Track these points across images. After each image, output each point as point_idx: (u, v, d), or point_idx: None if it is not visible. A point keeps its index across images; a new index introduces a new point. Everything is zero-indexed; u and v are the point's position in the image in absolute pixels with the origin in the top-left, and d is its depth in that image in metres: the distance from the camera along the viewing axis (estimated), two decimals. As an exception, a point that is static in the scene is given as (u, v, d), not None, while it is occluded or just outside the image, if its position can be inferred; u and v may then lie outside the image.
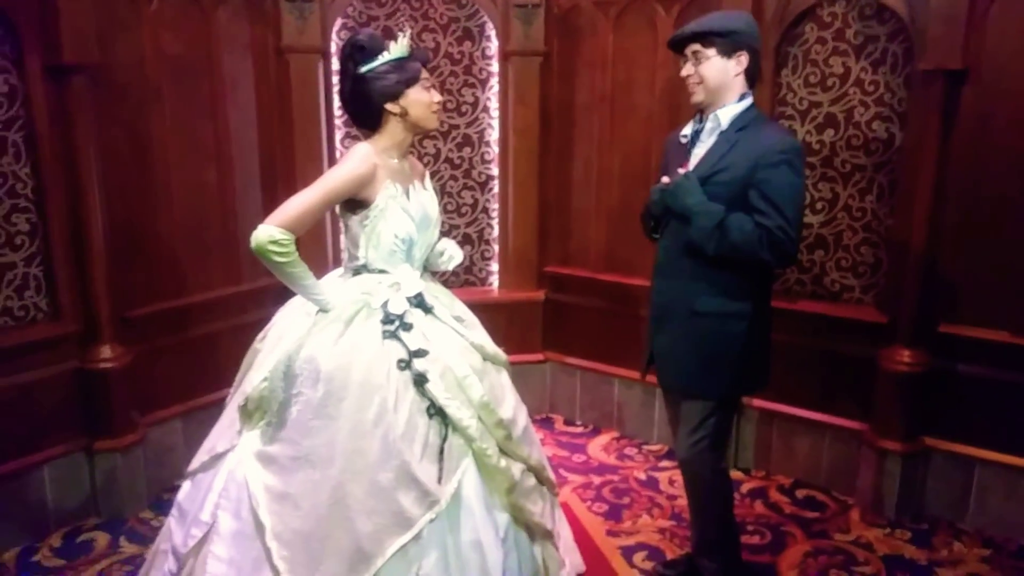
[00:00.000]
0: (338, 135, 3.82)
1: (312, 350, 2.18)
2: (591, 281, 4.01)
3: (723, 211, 2.31)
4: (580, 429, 4.13)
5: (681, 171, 2.41)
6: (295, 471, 2.14)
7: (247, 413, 2.24)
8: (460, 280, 4.21)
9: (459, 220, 4.14)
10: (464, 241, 4.17)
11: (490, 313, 4.00)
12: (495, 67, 3.99)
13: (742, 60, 2.38)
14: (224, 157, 3.54)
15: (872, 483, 3.30)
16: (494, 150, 4.08)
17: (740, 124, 2.39)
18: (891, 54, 3.20)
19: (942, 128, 3.01)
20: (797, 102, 3.42)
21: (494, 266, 4.21)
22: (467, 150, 4.08)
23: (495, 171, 4.10)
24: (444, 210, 4.10)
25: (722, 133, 2.40)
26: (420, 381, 2.18)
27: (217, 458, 2.29)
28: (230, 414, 2.33)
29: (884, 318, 3.28)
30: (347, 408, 2.13)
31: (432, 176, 4.01)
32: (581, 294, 4.06)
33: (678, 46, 2.44)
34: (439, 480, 2.15)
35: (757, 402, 3.63)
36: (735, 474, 3.65)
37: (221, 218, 3.53)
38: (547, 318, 4.18)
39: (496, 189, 4.11)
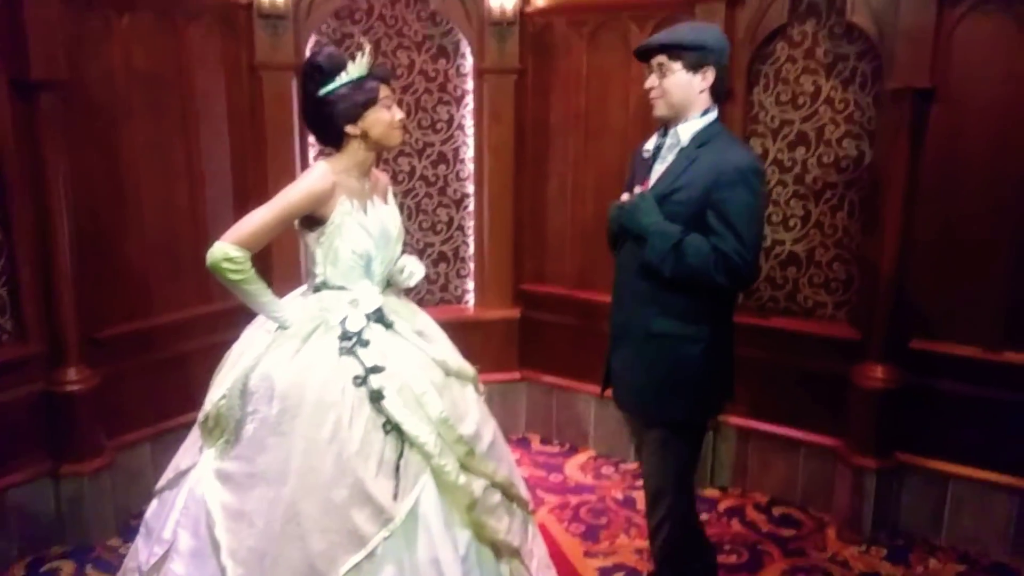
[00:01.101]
0: (311, 152, 3.79)
1: (268, 367, 2.18)
2: (567, 298, 4.01)
3: (680, 232, 2.24)
4: (557, 448, 4.10)
5: (639, 190, 2.36)
6: (251, 488, 2.13)
7: (207, 430, 2.23)
8: (436, 298, 4.19)
9: (434, 238, 4.13)
10: (439, 259, 4.15)
11: (466, 331, 3.99)
12: (470, 84, 4.00)
13: (708, 76, 2.31)
14: (196, 174, 3.50)
15: (848, 500, 3.30)
16: (469, 168, 4.07)
17: (701, 140, 2.32)
18: (860, 73, 3.24)
19: (911, 146, 3.05)
20: (769, 120, 3.46)
21: (470, 284, 4.19)
22: (442, 167, 4.07)
23: (470, 189, 4.09)
24: (419, 227, 4.09)
25: (682, 150, 2.33)
26: (376, 397, 2.16)
27: (181, 475, 2.29)
28: (195, 431, 2.33)
29: (857, 334, 3.31)
30: (301, 425, 2.12)
31: (407, 194, 4.03)
32: (557, 312, 4.05)
33: (644, 56, 2.38)
34: (394, 497, 2.12)
35: (733, 419, 3.63)
36: (711, 492, 3.65)
37: (192, 236, 3.48)
38: (523, 336, 4.16)
39: (471, 207, 4.11)
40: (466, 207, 4.12)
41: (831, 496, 3.39)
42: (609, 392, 2.61)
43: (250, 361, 2.21)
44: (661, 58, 2.31)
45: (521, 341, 4.16)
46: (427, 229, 4.11)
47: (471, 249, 4.15)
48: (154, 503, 2.37)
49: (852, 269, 3.38)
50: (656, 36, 2.38)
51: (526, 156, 4.02)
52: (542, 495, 3.61)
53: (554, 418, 4.17)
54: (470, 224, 4.13)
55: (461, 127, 4.05)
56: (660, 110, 2.35)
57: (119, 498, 3.23)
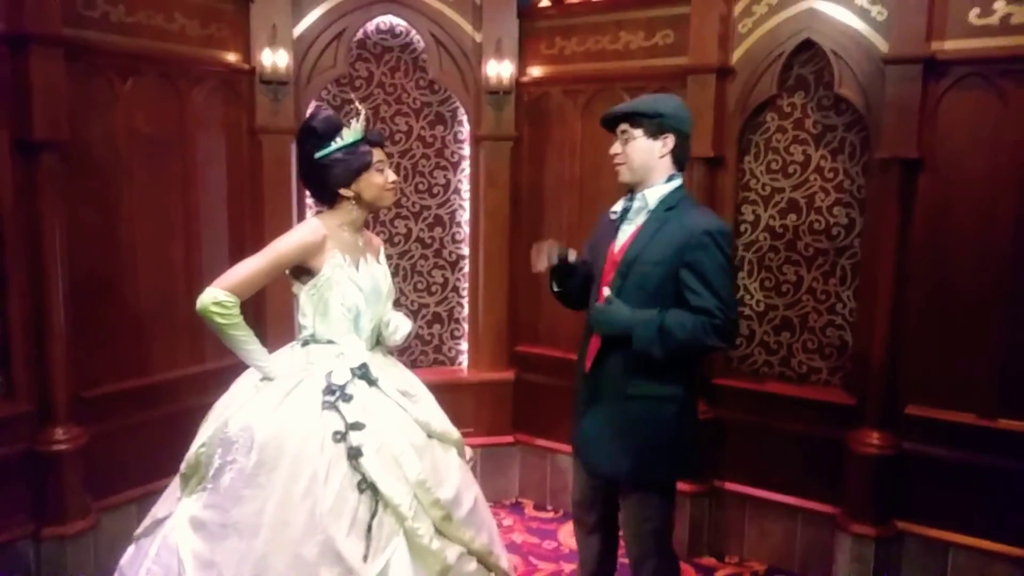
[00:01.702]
0: (309, 214, 3.83)
1: (249, 418, 2.18)
2: (561, 361, 3.99)
3: (658, 315, 2.30)
4: (551, 514, 4.04)
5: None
6: (223, 539, 2.12)
7: (185, 479, 2.24)
8: (429, 359, 4.17)
9: (429, 299, 4.14)
10: (434, 320, 4.16)
11: (459, 393, 4.00)
12: (467, 150, 4.07)
13: (668, 142, 2.42)
14: (193, 235, 3.52)
15: (847, 569, 3.24)
16: (465, 230, 4.12)
17: (668, 204, 2.41)
18: (849, 143, 3.32)
19: (900, 214, 3.10)
20: (760, 188, 3.52)
21: (464, 345, 4.19)
22: (438, 230, 4.11)
23: (466, 251, 4.12)
24: (414, 288, 4.10)
25: (651, 212, 2.43)
26: (354, 455, 2.15)
27: (157, 523, 2.29)
28: (175, 482, 2.34)
29: (852, 400, 3.30)
30: (278, 478, 2.11)
31: (403, 255, 4.06)
32: (552, 374, 4.03)
33: (611, 124, 2.52)
34: (364, 558, 2.09)
35: (729, 486, 3.59)
36: (708, 560, 3.58)
37: (187, 296, 3.47)
38: (517, 399, 4.14)
39: (466, 268, 4.13)
40: (461, 269, 4.14)
41: (830, 564, 3.33)
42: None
43: (233, 410, 2.23)
44: (624, 126, 2.46)
45: (515, 404, 4.13)
46: (422, 290, 4.13)
47: (466, 310, 4.16)
48: (131, 549, 2.37)
49: (845, 335, 3.39)
50: (619, 105, 2.54)
51: (521, 220, 4.07)
52: (535, 562, 3.53)
53: (548, 483, 4.11)
54: (465, 286, 4.15)
55: (457, 191, 4.11)
56: (624, 175, 2.48)
57: (102, 561, 3.14)
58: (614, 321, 2.36)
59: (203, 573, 2.10)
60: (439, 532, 2.21)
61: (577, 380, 2.59)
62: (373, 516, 2.14)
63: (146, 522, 2.36)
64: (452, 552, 2.22)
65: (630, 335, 2.32)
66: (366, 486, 2.14)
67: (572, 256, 2.57)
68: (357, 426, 2.18)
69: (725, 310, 2.29)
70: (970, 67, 2.96)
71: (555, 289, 2.66)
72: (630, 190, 2.51)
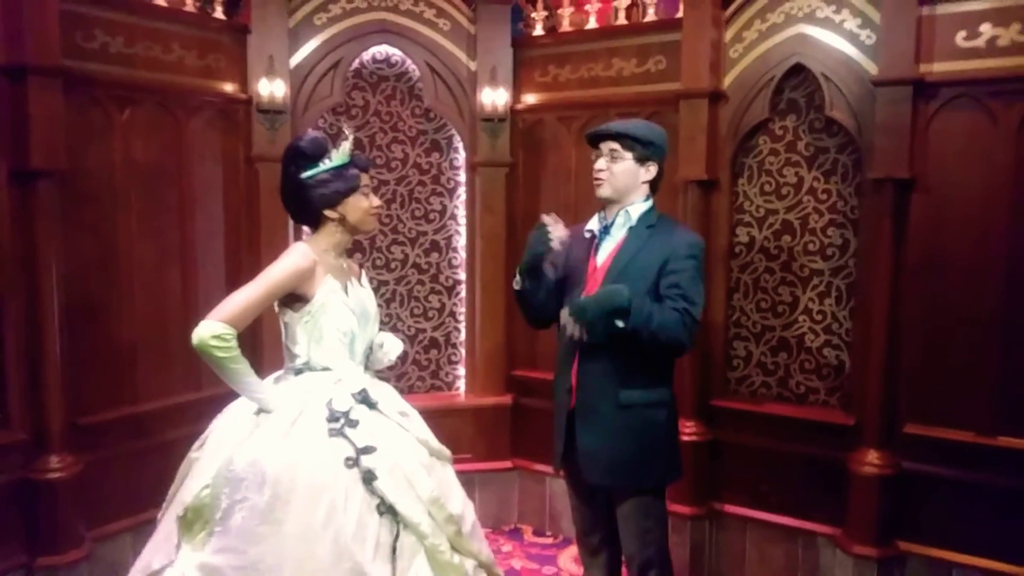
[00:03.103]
0: (306, 241, 3.84)
1: (256, 453, 2.12)
2: (554, 385, 3.97)
3: (645, 299, 2.40)
4: (550, 540, 4.00)
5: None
6: None
7: (186, 524, 2.14)
8: (426, 384, 4.16)
9: (426, 324, 4.14)
10: (431, 345, 4.15)
11: (457, 418, 3.98)
12: (462, 177, 4.10)
13: (651, 170, 2.57)
14: (189, 263, 3.53)
15: (849, 591, 3.21)
16: (461, 255, 4.13)
17: (648, 222, 2.56)
18: (841, 164, 3.34)
19: (894, 233, 3.12)
20: (754, 210, 3.54)
21: (461, 370, 4.18)
22: (435, 255, 4.13)
23: (462, 276, 4.14)
24: (411, 314, 4.11)
25: (632, 228, 2.56)
26: (369, 478, 2.13)
27: None
28: (165, 527, 2.22)
29: (851, 420, 3.29)
30: (295, 511, 2.06)
31: (399, 281, 4.07)
32: (550, 398, 3.98)
33: (597, 139, 2.59)
34: None
35: (729, 508, 3.57)
36: (710, 585, 3.55)
37: (183, 324, 3.46)
38: (515, 423, 4.12)
39: (463, 293, 4.14)
40: (458, 294, 4.15)
41: (832, 588, 3.30)
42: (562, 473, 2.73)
43: (233, 447, 2.15)
44: (614, 145, 2.55)
45: (513, 428, 4.12)
46: (419, 315, 4.13)
47: (462, 336, 4.16)
48: None
49: (842, 355, 3.39)
50: (612, 124, 2.62)
51: (517, 245, 4.07)
52: (535, 589, 3.50)
53: (547, 508, 4.08)
54: (462, 311, 4.15)
55: (454, 217, 4.13)
56: (604, 191, 2.57)
57: (96, 593, 3.11)
58: (615, 297, 2.35)
59: None
60: (453, 547, 2.21)
61: (558, 397, 2.63)
62: (396, 538, 2.12)
63: None
64: (469, 565, 2.23)
65: (615, 323, 2.35)
66: (385, 508, 2.12)
67: (555, 243, 2.58)
68: (368, 450, 2.16)
69: (693, 312, 2.42)
70: (959, 88, 3.00)
71: (519, 286, 2.65)
72: (603, 207, 2.62)
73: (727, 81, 3.49)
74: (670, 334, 2.38)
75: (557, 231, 2.53)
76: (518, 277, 2.65)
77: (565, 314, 2.41)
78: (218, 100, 3.62)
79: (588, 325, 2.37)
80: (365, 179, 2.38)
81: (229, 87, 3.66)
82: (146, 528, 3.20)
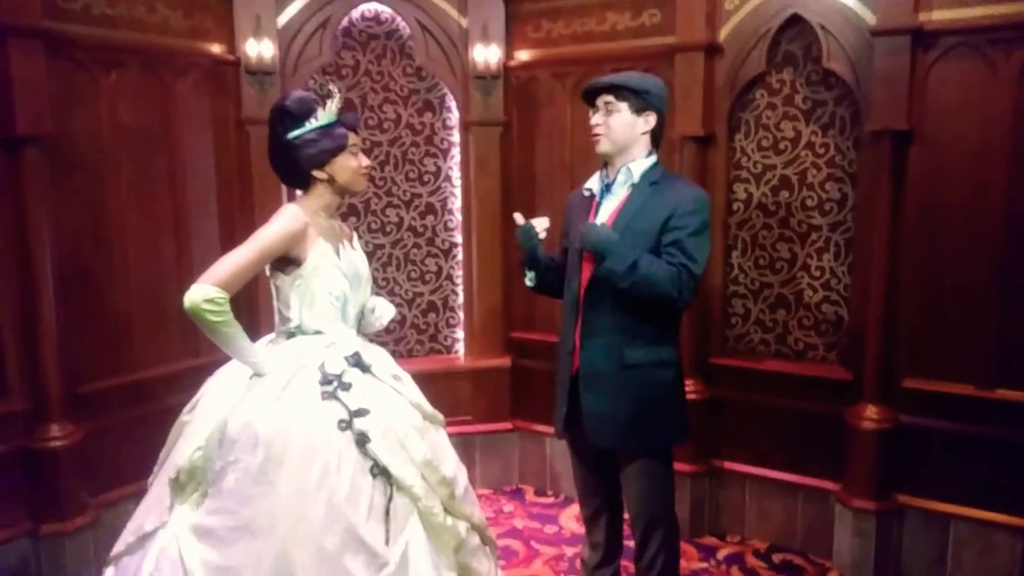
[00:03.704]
0: (299, 205, 3.80)
1: (249, 415, 2.12)
2: (558, 348, 3.97)
3: (636, 251, 2.36)
4: (551, 499, 4.03)
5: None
6: (234, 542, 2.05)
7: (179, 486, 2.13)
8: (425, 348, 4.16)
9: (423, 287, 4.12)
10: (428, 309, 4.14)
11: (456, 381, 3.99)
12: (456, 137, 4.05)
13: (650, 120, 2.50)
14: (182, 228, 3.50)
15: (848, 544, 3.24)
16: (457, 218, 4.09)
17: (652, 179, 2.49)
18: (839, 118, 3.30)
19: (893, 187, 3.09)
20: (751, 165, 3.50)
21: (459, 333, 4.17)
22: (430, 218, 4.09)
23: (459, 238, 4.10)
24: (407, 278, 4.09)
25: (635, 186, 2.50)
26: (362, 441, 2.12)
27: (145, 538, 2.17)
28: (157, 490, 2.22)
29: (849, 375, 3.29)
30: (288, 473, 2.06)
31: (395, 244, 4.04)
32: (548, 359, 3.95)
33: (592, 95, 2.52)
34: (386, 541, 2.08)
35: (729, 465, 3.59)
36: (710, 540, 3.58)
37: (178, 290, 3.34)
38: (515, 385, 4.12)
39: (460, 256, 4.11)
40: (455, 257, 4.12)
41: (831, 540, 3.33)
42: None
43: (226, 410, 2.15)
44: (608, 98, 2.49)
45: (513, 390, 4.12)
46: (416, 279, 4.11)
47: (460, 298, 4.14)
48: (110, 571, 2.24)
49: (841, 310, 3.38)
50: (604, 77, 2.56)
51: (513, 205, 4.02)
52: (537, 547, 3.53)
53: (548, 468, 4.10)
54: (459, 274, 4.13)
55: (448, 178, 4.09)
56: (603, 146, 2.52)
57: (102, 557, 3.08)
58: (602, 237, 2.37)
59: None
60: (446, 510, 2.21)
61: (561, 360, 2.62)
62: (389, 499, 2.13)
63: (128, 538, 2.21)
64: (462, 527, 2.24)
65: (605, 255, 2.35)
66: (378, 471, 2.13)
67: (541, 233, 2.62)
68: (361, 412, 2.15)
69: (691, 268, 2.37)
70: (958, 37, 2.94)
71: (530, 284, 2.70)
72: (605, 165, 2.56)
73: (723, 34, 3.42)
74: (659, 288, 2.34)
75: (539, 223, 2.58)
76: (527, 276, 2.69)
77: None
78: (205, 62, 3.55)
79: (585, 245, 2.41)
80: (354, 138, 2.33)
81: (216, 48, 3.59)
82: (149, 494, 3.24)
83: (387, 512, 2.11)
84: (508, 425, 4.13)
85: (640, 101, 2.46)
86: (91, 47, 3.11)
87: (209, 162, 3.60)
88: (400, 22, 3.90)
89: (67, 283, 3.07)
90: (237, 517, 2.06)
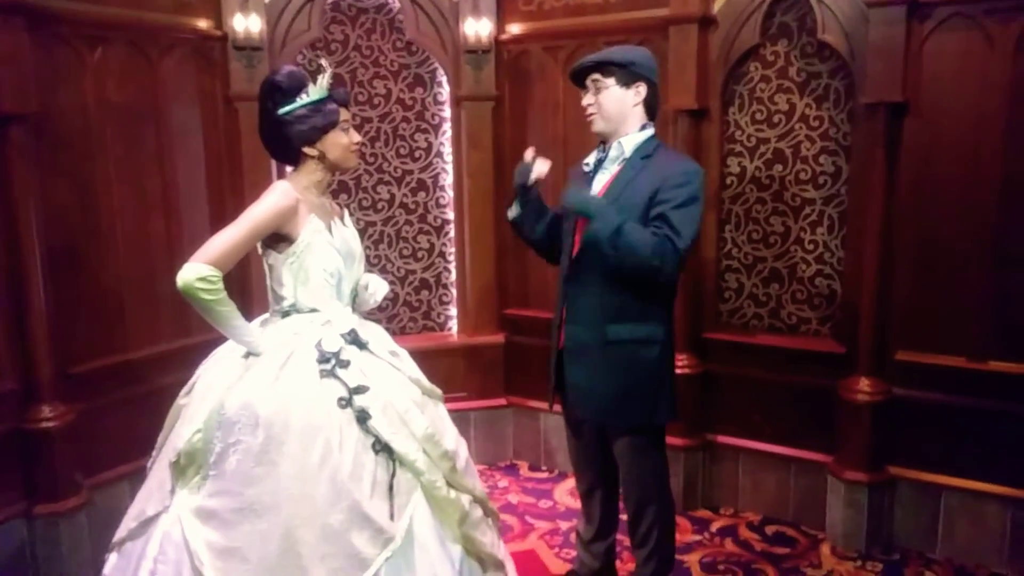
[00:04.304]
0: (290, 182, 3.77)
1: (248, 395, 2.11)
2: (551, 322, 3.97)
3: (621, 217, 2.34)
4: (545, 474, 4.05)
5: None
6: (239, 523, 2.04)
7: (180, 469, 2.13)
8: (419, 325, 4.15)
9: (415, 265, 4.10)
10: (421, 286, 4.13)
11: (450, 358, 3.98)
12: (447, 112, 4.01)
13: (640, 91, 2.46)
14: (172, 206, 3.46)
15: (840, 516, 3.27)
16: (449, 194, 4.07)
17: (644, 152, 2.46)
18: (833, 90, 3.28)
19: (887, 159, 3.08)
20: (745, 139, 3.48)
21: (452, 310, 4.16)
22: (422, 195, 4.06)
23: (451, 215, 4.08)
24: (399, 255, 4.07)
25: (627, 160, 2.47)
26: (363, 418, 2.12)
27: (147, 523, 2.16)
28: (158, 475, 2.21)
29: (842, 348, 3.30)
30: (290, 452, 2.06)
31: (387, 221, 4.01)
32: (542, 336, 3.97)
33: (580, 76, 2.51)
34: (391, 516, 2.09)
35: (722, 439, 3.61)
36: (704, 513, 3.61)
37: (169, 269, 3.35)
38: (508, 361, 4.12)
39: (452, 233, 4.09)
40: (447, 233, 4.10)
41: (824, 512, 3.36)
42: (558, 407, 2.72)
43: (224, 391, 2.14)
44: (595, 75, 2.47)
45: (506, 367, 4.12)
46: (408, 256, 4.09)
47: (453, 275, 4.13)
48: (113, 557, 2.24)
49: (834, 284, 3.38)
50: (588, 56, 2.54)
51: (505, 181, 4.00)
52: (532, 521, 3.55)
53: (542, 444, 4.12)
54: (451, 250, 4.11)
55: (440, 154, 4.05)
56: (597, 125, 2.50)
57: (96, 538, 3.11)
58: (586, 200, 2.38)
59: (223, 562, 2.02)
60: (448, 483, 2.22)
61: (551, 334, 2.64)
62: (392, 475, 2.13)
63: (130, 524, 2.20)
64: (465, 500, 2.25)
65: (591, 216, 2.35)
66: (380, 447, 2.12)
67: (535, 173, 2.60)
68: (360, 389, 2.15)
69: (676, 241, 2.31)
70: (954, 7, 2.92)
71: (511, 215, 2.67)
72: (603, 142, 2.54)
73: (717, 6, 3.39)
74: (640, 254, 2.30)
75: (539, 165, 2.55)
76: (512, 206, 2.66)
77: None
78: (192, 37, 3.49)
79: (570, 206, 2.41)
80: (345, 114, 2.31)
81: (203, 23, 3.53)
82: (143, 475, 3.21)
83: (390, 488, 2.11)
84: (502, 401, 4.14)
85: (627, 73, 2.43)
86: (75, 22, 3.05)
87: (197, 139, 3.56)
88: (390, -5, 3.85)
89: (56, 263, 3.04)
90: (240, 498, 2.05)
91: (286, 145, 2.28)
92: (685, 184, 2.37)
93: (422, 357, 2.50)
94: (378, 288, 2.47)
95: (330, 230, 2.30)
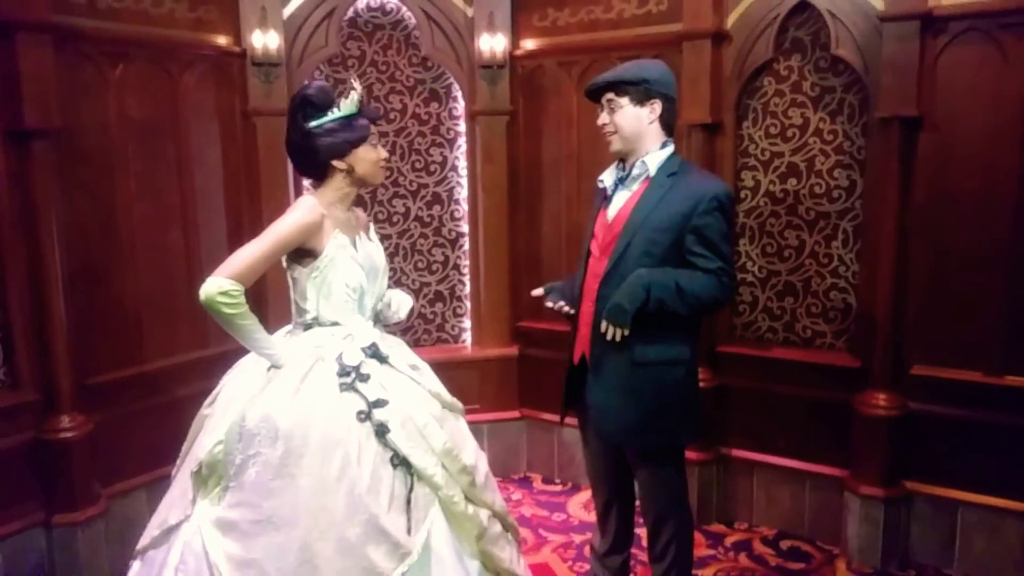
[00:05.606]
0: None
1: (268, 408, 2.12)
2: (564, 335, 3.95)
3: (667, 275, 2.33)
4: (559, 487, 4.04)
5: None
6: (257, 535, 2.05)
7: (201, 479, 2.15)
8: (432, 338, 4.17)
9: (430, 277, 4.13)
10: (435, 298, 4.15)
11: (464, 370, 3.99)
12: (462, 127, 4.04)
13: (655, 108, 2.42)
14: (190, 220, 3.51)
15: (856, 531, 3.25)
16: (463, 208, 4.10)
17: (669, 170, 2.42)
18: (847, 104, 3.28)
19: (901, 173, 3.07)
20: (759, 153, 3.49)
21: (467, 323, 4.18)
22: (436, 208, 4.09)
23: (465, 228, 4.10)
24: (414, 268, 4.10)
25: (652, 179, 2.43)
26: (381, 432, 2.13)
27: (169, 531, 2.18)
28: (181, 484, 2.23)
29: (857, 362, 3.29)
30: (308, 465, 2.07)
31: (402, 235, 4.04)
32: (555, 348, 3.98)
33: (594, 96, 2.49)
34: (408, 531, 2.09)
35: (736, 452, 3.60)
36: (718, 527, 3.59)
37: (187, 282, 3.47)
38: (522, 374, 4.13)
39: (466, 246, 4.12)
40: (461, 246, 4.13)
41: (839, 527, 3.34)
42: (570, 420, 2.72)
43: (246, 403, 2.15)
44: (609, 95, 2.45)
45: (520, 379, 4.13)
46: (423, 269, 4.11)
47: (467, 288, 4.15)
48: (136, 565, 2.26)
49: (849, 297, 3.37)
50: (601, 75, 2.50)
51: (520, 195, 4.05)
52: (545, 534, 3.55)
53: (555, 456, 4.12)
54: (466, 263, 4.13)
55: (455, 168, 4.08)
56: (616, 145, 2.48)
57: (113, 547, 3.16)
58: (629, 293, 2.32)
59: (243, 574, 2.04)
60: (467, 498, 2.22)
61: (570, 347, 2.62)
62: (410, 489, 2.13)
63: (153, 531, 2.22)
64: (483, 515, 2.25)
65: (645, 306, 2.32)
66: (398, 461, 2.13)
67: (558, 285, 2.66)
68: (380, 403, 2.16)
69: (728, 269, 2.37)
70: (968, 22, 2.92)
71: (572, 311, 2.61)
72: (622, 160, 2.52)
73: (730, 21, 3.41)
74: (707, 303, 2.35)
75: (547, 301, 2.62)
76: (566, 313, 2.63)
77: (603, 324, 2.37)
78: (211, 54, 3.55)
79: (625, 318, 2.33)
80: (373, 130, 2.34)
81: (222, 40, 3.59)
82: (160, 484, 3.25)
83: (408, 502, 2.12)
84: (516, 414, 4.14)
85: (640, 91, 2.41)
86: (98, 40, 3.11)
87: (216, 154, 3.61)
88: (405, 12, 3.89)
89: (76, 275, 3.09)
90: (259, 510, 2.06)
91: (314, 158, 2.30)
92: (718, 208, 2.36)
93: (436, 369, 2.51)
94: (402, 304, 2.48)
95: (355, 245, 2.31)
